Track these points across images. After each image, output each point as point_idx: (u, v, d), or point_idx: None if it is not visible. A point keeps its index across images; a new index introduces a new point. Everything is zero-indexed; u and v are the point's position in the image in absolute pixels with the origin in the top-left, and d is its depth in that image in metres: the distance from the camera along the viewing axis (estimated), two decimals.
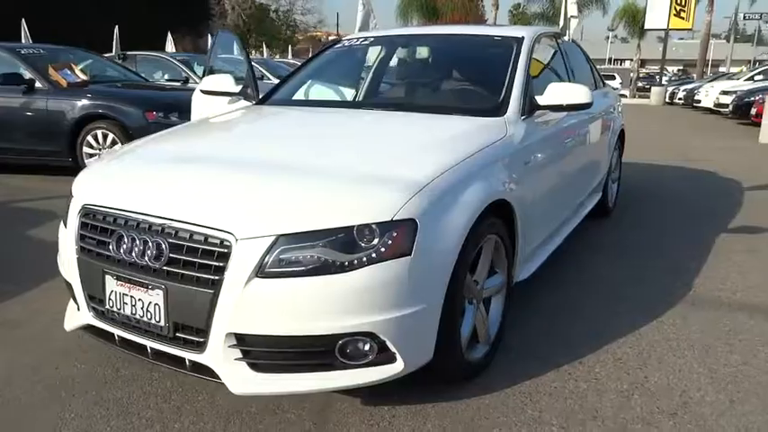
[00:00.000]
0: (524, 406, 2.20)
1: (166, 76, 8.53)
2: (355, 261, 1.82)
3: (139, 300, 1.99)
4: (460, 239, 2.05)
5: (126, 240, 2.01)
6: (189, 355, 1.96)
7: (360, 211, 1.88)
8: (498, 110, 2.80)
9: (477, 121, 2.70)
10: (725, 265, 3.79)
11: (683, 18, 26.84)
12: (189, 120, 6.01)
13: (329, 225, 1.84)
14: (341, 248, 1.84)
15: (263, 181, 2.07)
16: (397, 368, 1.94)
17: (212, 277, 1.86)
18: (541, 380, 2.38)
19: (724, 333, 2.82)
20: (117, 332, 2.12)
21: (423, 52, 3.57)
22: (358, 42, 3.71)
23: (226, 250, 1.85)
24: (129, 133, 5.95)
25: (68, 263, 2.23)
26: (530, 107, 2.88)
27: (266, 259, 1.82)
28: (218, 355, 1.89)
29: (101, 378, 2.36)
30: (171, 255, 1.92)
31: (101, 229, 2.11)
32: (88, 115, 6.09)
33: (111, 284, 2.05)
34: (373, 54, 3.71)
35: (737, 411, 2.18)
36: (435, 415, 2.13)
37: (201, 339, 1.91)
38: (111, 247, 2.05)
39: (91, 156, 6.11)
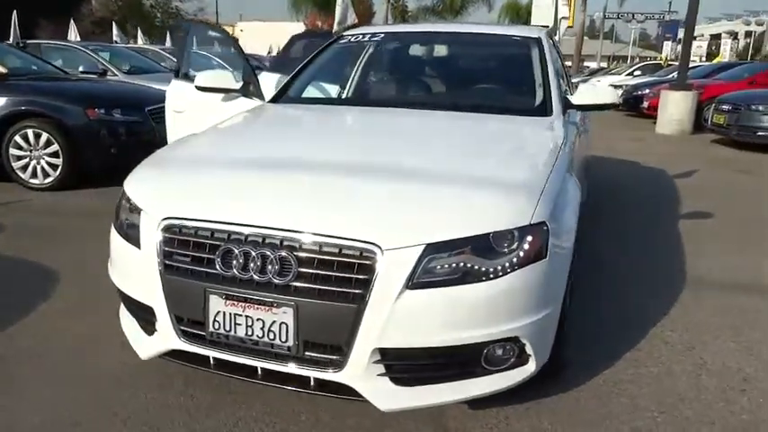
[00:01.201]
0: (616, 396, 2.31)
1: (81, 68, 7.75)
2: (499, 267, 1.81)
3: (259, 320, 1.84)
4: (573, 239, 2.10)
5: (238, 256, 1.84)
6: (318, 374, 1.84)
7: (499, 216, 1.86)
8: (545, 109, 2.88)
9: (535, 121, 2.76)
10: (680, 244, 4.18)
11: (565, 16, 28.77)
12: (135, 116, 5.60)
13: (474, 232, 1.80)
14: (484, 255, 1.81)
15: (389, 187, 1.98)
16: (529, 370, 1.95)
17: (355, 291, 1.75)
18: (615, 369, 2.50)
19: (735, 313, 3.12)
20: (219, 355, 1.94)
21: (450, 51, 3.56)
22: (367, 39, 3.63)
23: (369, 262, 1.75)
24: (66, 133, 5.36)
25: (145, 284, 2.00)
26: (564, 106, 2.99)
27: (417, 270, 1.75)
28: (360, 372, 1.80)
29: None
30: (300, 269, 1.79)
31: (197, 245, 1.91)
32: (15, 113, 5.40)
33: (218, 305, 1.87)
34: (392, 51, 3.65)
35: None
36: (545, 412, 2.18)
37: (337, 357, 1.81)
38: (216, 264, 1.86)
39: (20, 158, 5.43)
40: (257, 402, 2.18)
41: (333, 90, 3.54)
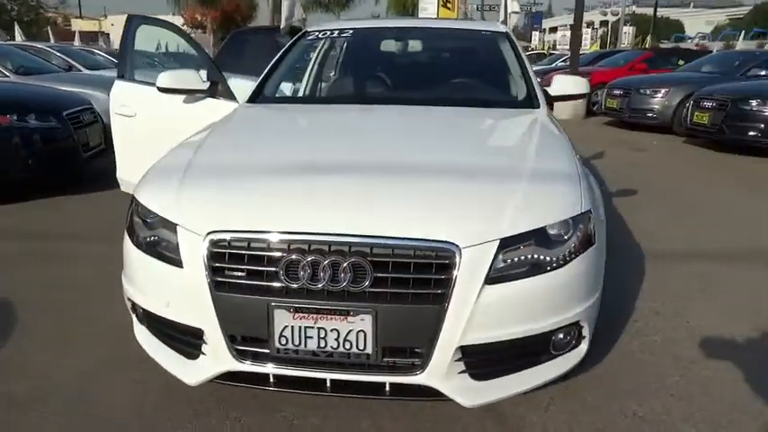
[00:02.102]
0: (637, 366, 2.47)
1: None
2: (561, 256, 1.87)
3: (333, 330, 1.77)
4: (604, 223, 2.21)
5: (305, 266, 1.75)
6: (397, 379, 1.81)
7: (557, 208, 1.92)
8: (531, 102, 2.98)
9: (530, 113, 2.85)
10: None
11: (449, 8, 29.74)
12: (52, 122, 5.09)
13: (537, 225, 1.85)
14: (547, 246, 1.87)
15: (443, 186, 1.97)
16: (583, 351, 2.05)
17: (436, 292, 1.74)
18: (621, 342, 2.67)
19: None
20: (283, 372, 1.85)
21: (426, 46, 3.56)
22: (337, 34, 3.55)
23: (447, 261, 1.74)
24: None
25: (190, 305, 1.86)
26: (546, 98, 3.12)
27: (493, 265, 1.77)
28: (442, 372, 1.79)
29: None
30: (376, 275, 1.74)
31: (252, 258, 1.80)
32: None
33: (284, 319, 1.78)
34: (368, 46, 3.59)
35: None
36: (584, 389, 2.29)
37: (418, 360, 1.79)
38: (280, 276, 1.77)
39: None
40: (313, 417, 2.10)
41: (310, 88, 3.44)
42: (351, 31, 3.55)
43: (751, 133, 7.34)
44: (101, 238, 3.43)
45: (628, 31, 33.53)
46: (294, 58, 3.45)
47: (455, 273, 1.74)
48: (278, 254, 1.78)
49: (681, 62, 13.26)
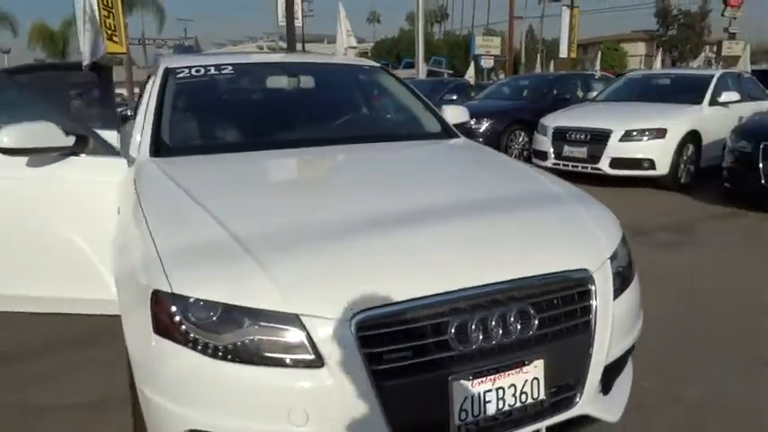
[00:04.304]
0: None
1: None
2: (629, 268, 2.06)
3: (511, 386, 1.64)
4: None
5: (474, 326, 1.59)
6: (560, 417, 1.77)
7: (615, 224, 2.11)
8: (449, 132, 3.12)
9: (465, 143, 2.99)
10: None
11: (116, 42, 27.65)
12: None
13: (617, 240, 2.01)
14: (619, 260, 2.00)
15: (524, 215, 2.02)
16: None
17: (583, 319, 1.77)
18: None
19: None
20: None
21: (317, 82, 3.27)
22: (213, 71, 3.06)
23: (584, 287, 1.79)
24: None
25: (342, 409, 1.49)
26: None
27: (614, 282, 1.88)
28: (591, 396, 1.81)
29: None
30: (539, 316, 1.68)
31: (415, 332, 1.54)
32: None
33: (464, 389, 1.58)
34: (257, 85, 3.16)
35: None
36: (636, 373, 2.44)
37: (574, 392, 1.78)
38: (451, 343, 1.56)
39: None
40: None
41: (203, 134, 2.90)
42: (229, 68, 3.12)
43: None
44: None
45: None
46: (181, 102, 2.89)
47: (594, 297, 1.80)
48: (444, 318, 1.57)
49: None
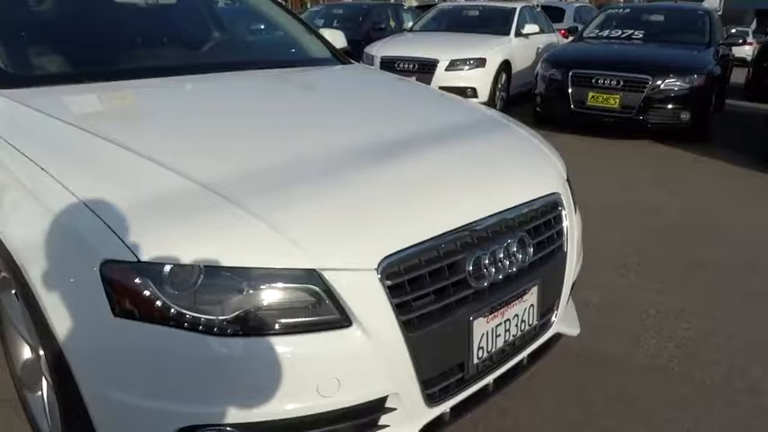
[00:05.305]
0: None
1: None
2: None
3: (515, 316, 1.62)
4: None
5: (488, 260, 1.51)
6: (540, 340, 1.79)
7: (557, 156, 2.13)
8: (339, 58, 2.87)
9: (366, 69, 2.78)
10: None
11: None
12: None
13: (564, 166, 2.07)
14: None
15: (484, 141, 1.96)
16: None
17: (560, 241, 1.80)
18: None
19: None
20: (471, 391, 1.56)
21: None
22: None
23: (559, 209, 1.81)
24: None
25: (374, 368, 1.32)
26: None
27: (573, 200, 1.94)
28: (560, 315, 1.86)
29: None
30: (534, 242, 1.66)
31: (435, 274, 1.41)
32: None
33: (481, 327, 1.51)
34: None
35: None
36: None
37: (552, 313, 1.82)
38: (469, 281, 1.47)
39: None
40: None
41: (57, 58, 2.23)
42: None
43: None
44: None
45: None
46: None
47: (564, 219, 1.83)
48: (461, 255, 1.46)
49: None
